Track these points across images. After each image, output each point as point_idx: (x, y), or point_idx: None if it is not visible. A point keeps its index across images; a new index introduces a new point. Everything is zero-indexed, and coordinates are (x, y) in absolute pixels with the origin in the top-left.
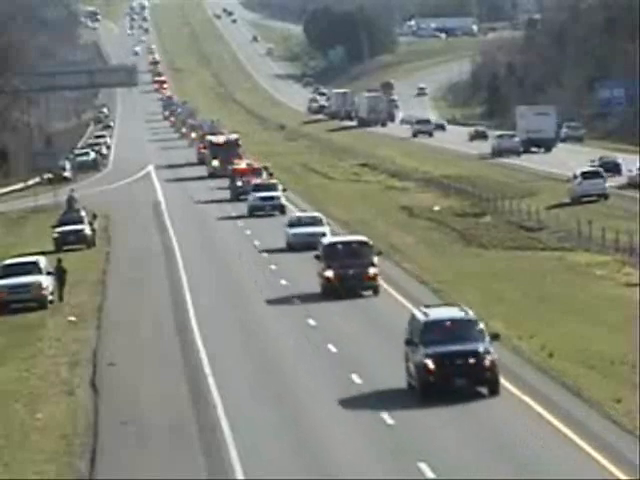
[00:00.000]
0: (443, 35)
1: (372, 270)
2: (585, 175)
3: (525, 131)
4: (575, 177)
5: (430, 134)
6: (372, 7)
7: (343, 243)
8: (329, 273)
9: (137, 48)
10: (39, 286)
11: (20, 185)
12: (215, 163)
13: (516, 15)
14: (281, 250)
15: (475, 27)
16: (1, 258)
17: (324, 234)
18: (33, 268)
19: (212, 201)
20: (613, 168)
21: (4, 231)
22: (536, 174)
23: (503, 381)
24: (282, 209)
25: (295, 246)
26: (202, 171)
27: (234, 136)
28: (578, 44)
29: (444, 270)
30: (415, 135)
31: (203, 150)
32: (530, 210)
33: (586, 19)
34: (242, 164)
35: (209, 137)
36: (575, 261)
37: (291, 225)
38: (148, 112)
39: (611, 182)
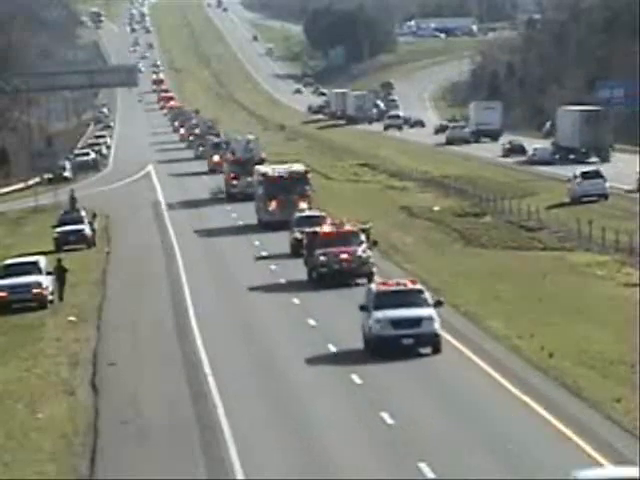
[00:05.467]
0: (443, 35)
1: None
2: (585, 175)
3: (475, 123)
4: (575, 177)
5: (399, 128)
6: (372, 7)
7: None
8: None
9: (140, 65)
10: (39, 286)
11: (20, 185)
12: (273, 207)
13: (516, 15)
14: None
15: (475, 27)
16: (1, 258)
17: None
18: (33, 268)
19: (277, 288)
20: (519, 149)
21: (4, 231)
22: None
23: (503, 380)
24: (437, 344)
25: None
26: (242, 214)
27: (299, 167)
28: (578, 44)
29: (444, 270)
30: (386, 128)
31: (235, 181)
32: (530, 210)
33: (586, 19)
34: (326, 223)
35: (261, 168)
36: (575, 261)
37: None
38: (153, 125)
39: (515, 159)
